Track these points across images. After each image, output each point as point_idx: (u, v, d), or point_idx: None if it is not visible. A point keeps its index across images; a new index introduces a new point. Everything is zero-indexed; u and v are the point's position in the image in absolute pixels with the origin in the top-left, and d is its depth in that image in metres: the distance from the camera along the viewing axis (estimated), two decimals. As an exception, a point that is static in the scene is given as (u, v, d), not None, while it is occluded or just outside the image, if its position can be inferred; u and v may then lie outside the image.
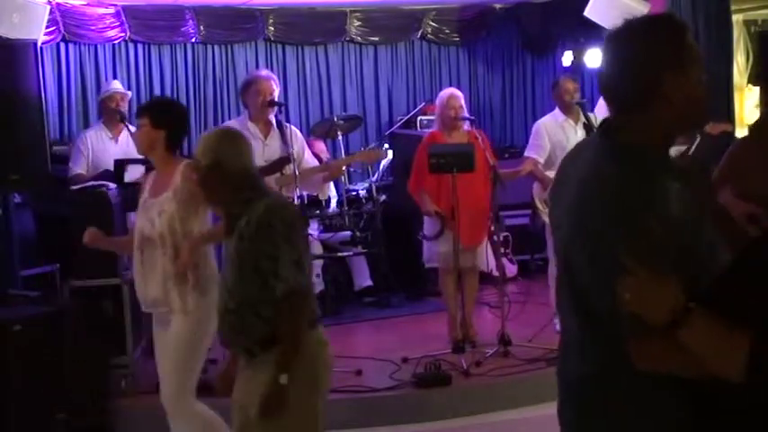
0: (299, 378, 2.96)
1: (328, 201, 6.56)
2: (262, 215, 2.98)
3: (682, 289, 1.78)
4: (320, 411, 3.07)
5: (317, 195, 6.11)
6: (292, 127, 5.68)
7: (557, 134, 6.06)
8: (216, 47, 8.42)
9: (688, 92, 1.90)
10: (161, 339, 3.95)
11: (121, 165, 5.75)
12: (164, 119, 3.89)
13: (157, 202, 3.86)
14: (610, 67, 1.99)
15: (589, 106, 6.27)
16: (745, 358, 1.73)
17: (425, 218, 5.93)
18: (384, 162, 7.75)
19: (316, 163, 5.79)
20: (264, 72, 5.95)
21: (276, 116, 5.64)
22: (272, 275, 2.95)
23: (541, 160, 6.08)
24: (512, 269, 7.89)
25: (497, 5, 9.12)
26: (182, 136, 4.02)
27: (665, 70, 1.89)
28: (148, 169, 5.69)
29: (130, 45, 8.04)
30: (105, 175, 5.78)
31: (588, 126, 5.82)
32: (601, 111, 5.92)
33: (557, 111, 6.31)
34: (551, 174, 5.43)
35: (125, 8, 7.78)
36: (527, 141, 6.54)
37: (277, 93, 5.61)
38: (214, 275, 3.85)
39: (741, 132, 6.47)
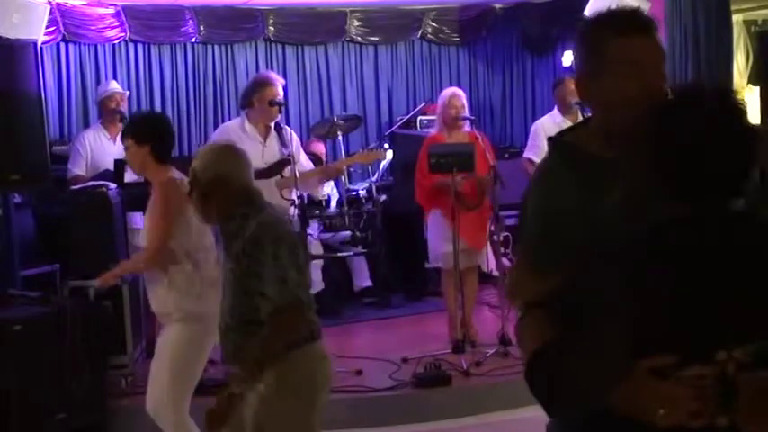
0: (296, 393, 2.93)
1: (328, 201, 6.57)
2: (252, 233, 2.93)
3: (549, 284, 1.77)
4: (316, 428, 3.02)
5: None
6: (288, 128, 5.66)
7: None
8: (216, 47, 8.40)
9: (600, 97, 1.88)
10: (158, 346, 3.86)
11: (121, 165, 5.74)
12: (145, 134, 3.84)
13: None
14: None
15: (589, 107, 6.26)
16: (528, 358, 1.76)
17: (430, 217, 5.92)
18: (384, 162, 7.74)
19: (310, 165, 5.74)
20: (275, 75, 5.84)
21: (275, 117, 5.61)
22: (259, 295, 2.90)
23: (537, 160, 6.07)
24: (512, 269, 7.88)
25: (497, 5, 9.11)
26: (170, 146, 3.95)
27: (581, 77, 1.92)
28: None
29: (130, 45, 8.03)
30: (105, 175, 5.77)
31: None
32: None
33: (555, 111, 6.29)
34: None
35: (125, 8, 7.77)
36: (527, 141, 6.52)
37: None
38: (214, 283, 3.67)
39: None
